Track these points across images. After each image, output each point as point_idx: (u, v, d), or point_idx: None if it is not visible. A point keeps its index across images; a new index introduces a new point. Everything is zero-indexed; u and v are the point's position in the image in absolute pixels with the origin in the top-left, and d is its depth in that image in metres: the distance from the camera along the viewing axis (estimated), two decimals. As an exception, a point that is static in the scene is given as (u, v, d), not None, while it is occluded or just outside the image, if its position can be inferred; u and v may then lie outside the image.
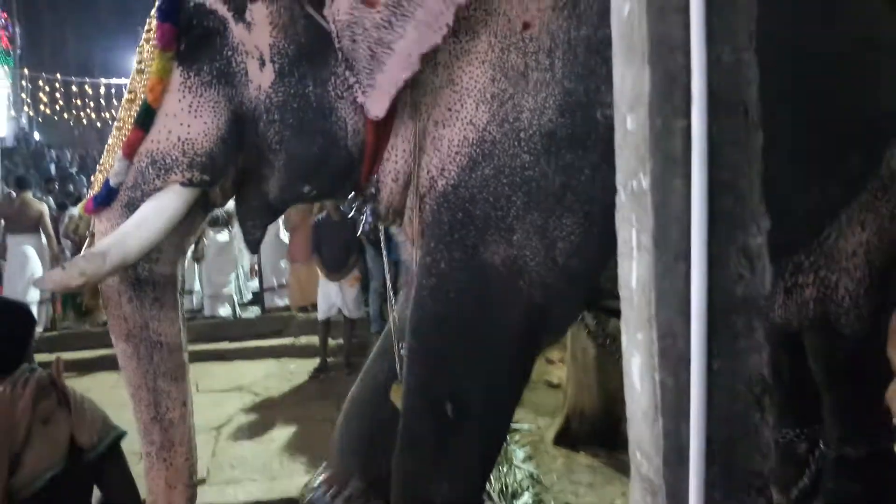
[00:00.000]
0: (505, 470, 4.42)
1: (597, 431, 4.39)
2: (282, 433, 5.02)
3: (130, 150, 2.23)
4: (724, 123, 1.20)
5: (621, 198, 1.36)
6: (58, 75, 19.49)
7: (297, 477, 4.19)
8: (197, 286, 7.78)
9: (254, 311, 8.03)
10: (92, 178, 2.46)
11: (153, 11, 2.26)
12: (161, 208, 2.23)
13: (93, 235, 2.39)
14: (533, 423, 5.13)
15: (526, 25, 2.13)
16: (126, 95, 2.35)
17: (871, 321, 2.57)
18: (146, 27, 2.30)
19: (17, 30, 24.28)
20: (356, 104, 2.22)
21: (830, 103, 2.30)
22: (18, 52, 23.96)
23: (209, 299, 7.69)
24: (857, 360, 2.67)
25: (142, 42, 2.31)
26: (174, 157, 2.23)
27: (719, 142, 1.20)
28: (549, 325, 2.29)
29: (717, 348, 1.24)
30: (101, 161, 2.39)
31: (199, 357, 6.85)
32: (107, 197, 2.26)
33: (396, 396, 2.50)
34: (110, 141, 2.35)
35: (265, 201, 2.40)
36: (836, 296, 2.59)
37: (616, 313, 2.62)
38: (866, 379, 2.46)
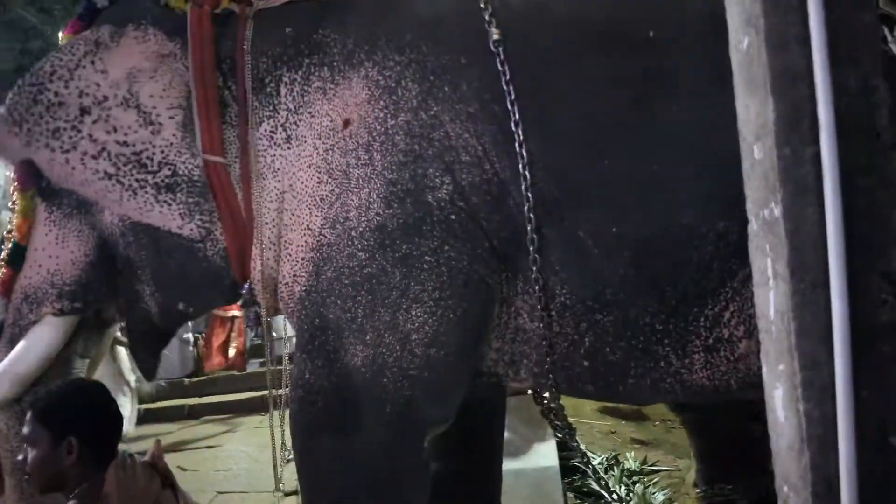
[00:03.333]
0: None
1: (740, 472, 4.18)
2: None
3: (5, 289, 2.36)
4: (855, 149, 1.19)
5: (753, 227, 1.36)
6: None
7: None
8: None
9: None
10: None
11: None
12: (34, 342, 2.33)
13: None
14: (672, 464, 4.96)
15: (346, 123, 2.12)
16: (5, 234, 2.49)
17: None
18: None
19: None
20: (211, 215, 2.25)
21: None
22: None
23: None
24: None
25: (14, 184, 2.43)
26: (44, 291, 2.33)
27: (852, 168, 1.19)
28: (429, 415, 2.15)
29: (864, 377, 1.21)
30: None
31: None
32: None
33: None
34: None
35: (150, 325, 2.43)
36: None
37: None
38: None
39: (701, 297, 2.03)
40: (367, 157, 2.07)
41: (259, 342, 7.79)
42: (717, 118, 1.88)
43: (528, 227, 2.00)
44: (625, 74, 2.02)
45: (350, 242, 2.06)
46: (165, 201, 2.23)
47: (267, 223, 2.23)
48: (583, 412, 5.97)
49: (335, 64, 2.16)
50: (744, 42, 1.32)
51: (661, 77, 2.01)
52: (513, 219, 2.05)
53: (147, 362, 2.59)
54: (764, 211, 1.30)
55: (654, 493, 4.50)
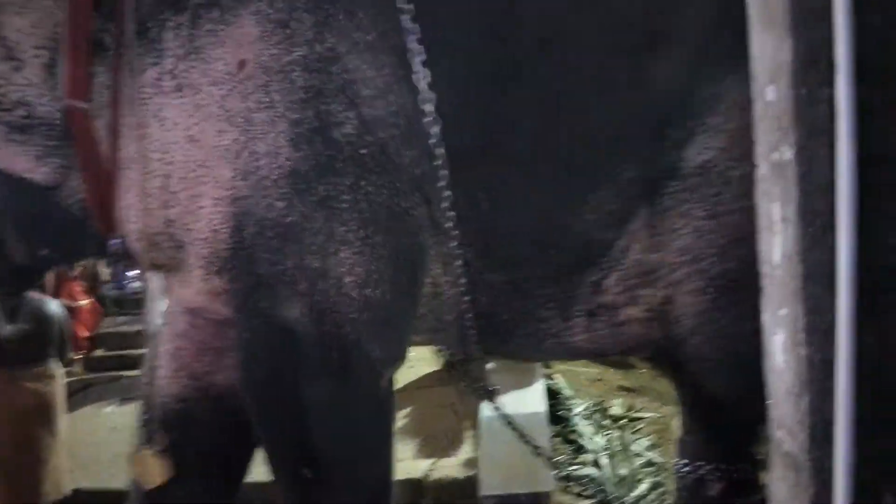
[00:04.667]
0: (620, 460, 4.38)
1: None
2: (399, 415, 5.23)
3: None
4: (873, 92, 1.16)
5: (762, 170, 1.33)
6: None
7: (408, 459, 4.56)
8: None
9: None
10: None
11: None
12: None
13: None
14: (657, 411, 5.05)
15: (241, 64, 2.00)
16: None
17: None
18: None
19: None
20: (69, 164, 2.12)
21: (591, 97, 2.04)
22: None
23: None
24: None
25: None
26: None
27: (869, 111, 1.16)
28: (378, 356, 2.12)
29: (867, 323, 1.21)
30: None
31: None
32: None
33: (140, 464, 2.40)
34: None
35: (13, 267, 2.37)
36: (670, 315, 2.12)
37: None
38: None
39: (581, 264, 2.10)
40: (267, 99, 1.97)
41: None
42: (609, 82, 2.01)
43: (439, 170, 1.99)
44: (529, 19, 2.01)
45: (266, 193, 1.98)
46: (16, 141, 2.12)
47: (149, 173, 2.09)
48: (570, 360, 6.04)
49: (224, 2, 2.03)
50: (762, -22, 1.28)
51: (564, 25, 2.00)
52: (424, 157, 2.01)
53: (8, 301, 2.64)
54: (774, 154, 1.28)
55: (633, 439, 4.59)
